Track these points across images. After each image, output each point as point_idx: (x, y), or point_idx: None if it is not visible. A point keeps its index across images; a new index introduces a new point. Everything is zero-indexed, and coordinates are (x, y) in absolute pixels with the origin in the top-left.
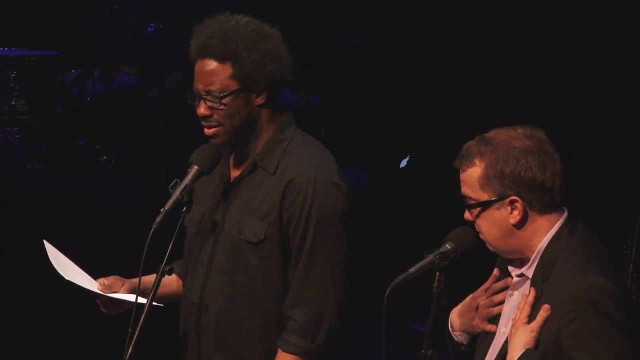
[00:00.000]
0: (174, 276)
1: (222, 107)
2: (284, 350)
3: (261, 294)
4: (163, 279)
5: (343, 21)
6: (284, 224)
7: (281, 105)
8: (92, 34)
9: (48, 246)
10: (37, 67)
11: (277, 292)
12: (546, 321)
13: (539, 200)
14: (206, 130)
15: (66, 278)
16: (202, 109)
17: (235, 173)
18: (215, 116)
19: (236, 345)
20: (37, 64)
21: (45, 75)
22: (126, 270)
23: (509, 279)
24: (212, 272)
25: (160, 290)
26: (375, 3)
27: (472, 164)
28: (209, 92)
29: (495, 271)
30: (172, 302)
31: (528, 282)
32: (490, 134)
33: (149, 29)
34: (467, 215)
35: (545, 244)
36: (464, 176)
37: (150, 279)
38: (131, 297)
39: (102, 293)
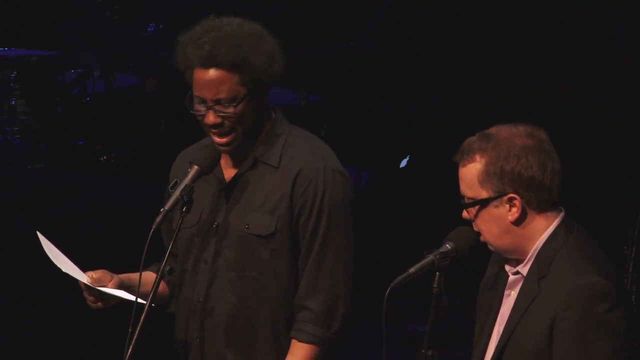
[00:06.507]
0: (153, 276)
1: (233, 114)
2: (300, 341)
3: (271, 287)
4: (145, 279)
5: (343, 21)
6: (294, 215)
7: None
8: (92, 34)
9: (42, 238)
10: (37, 67)
11: (287, 283)
12: None
13: (537, 199)
14: (218, 139)
15: (63, 270)
16: (212, 118)
17: (231, 172)
18: (227, 123)
19: (248, 341)
20: (37, 64)
21: (45, 75)
22: (126, 270)
23: None
24: (218, 269)
25: (142, 289)
26: (375, 3)
27: (473, 160)
28: (218, 101)
29: None
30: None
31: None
32: (492, 130)
33: (149, 29)
34: (464, 214)
35: (542, 243)
36: (463, 171)
37: (136, 276)
38: (120, 293)
39: (98, 288)
